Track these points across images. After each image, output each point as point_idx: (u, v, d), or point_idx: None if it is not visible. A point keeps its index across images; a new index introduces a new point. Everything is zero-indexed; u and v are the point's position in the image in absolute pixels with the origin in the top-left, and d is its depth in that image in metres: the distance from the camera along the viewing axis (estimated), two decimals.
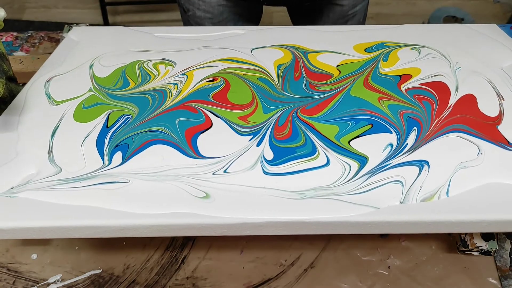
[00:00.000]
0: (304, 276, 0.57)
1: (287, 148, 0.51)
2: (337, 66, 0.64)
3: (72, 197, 0.44)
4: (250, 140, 0.51)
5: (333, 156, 0.50)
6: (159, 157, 0.48)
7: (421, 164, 0.49)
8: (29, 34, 0.80)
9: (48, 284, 0.58)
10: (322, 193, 0.46)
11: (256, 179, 0.47)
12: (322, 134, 0.52)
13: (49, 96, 0.56)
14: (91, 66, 0.61)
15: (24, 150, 0.50)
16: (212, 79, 0.59)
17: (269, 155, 0.50)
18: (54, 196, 0.44)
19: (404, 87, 0.60)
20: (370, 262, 0.58)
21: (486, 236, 0.55)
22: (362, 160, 0.50)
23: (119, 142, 0.50)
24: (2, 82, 0.52)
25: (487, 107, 0.57)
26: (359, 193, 0.46)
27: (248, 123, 0.53)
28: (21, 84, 0.59)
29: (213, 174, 0.47)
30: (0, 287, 0.58)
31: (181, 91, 0.57)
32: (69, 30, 0.75)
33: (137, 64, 0.62)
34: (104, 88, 0.57)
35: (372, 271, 0.57)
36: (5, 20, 0.58)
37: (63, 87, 0.58)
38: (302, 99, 0.57)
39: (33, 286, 0.58)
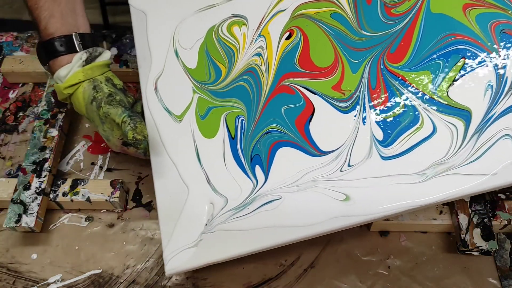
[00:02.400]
0: (304, 276, 0.57)
1: (391, 121, 0.50)
2: None
3: (251, 222, 0.50)
4: (355, 117, 0.51)
5: (436, 117, 0.49)
6: (289, 163, 0.51)
7: None
8: (29, 34, 0.80)
9: (48, 284, 0.58)
10: (441, 169, 0.47)
11: (378, 167, 0.49)
12: (417, 89, 0.50)
13: (169, 112, 0.58)
14: (176, 54, 0.60)
15: (190, 185, 0.53)
16: (289, 33, 0.57)
17: (378, 133, 0.50)
18: (238, 225, 0.50)
19: None
20: (370, 262, 0.58)
21: (486, 236, 0.55)
22: (465, 116, 0.48)
23: (251, 155, 0.53)
24: (143, 125, 0.52)
25: None
26: (474, 160, 0.47)
27: (344, 94, 0.53)
28: (131, 96, 0.59)
29: (341, 171, 0.50)
30: (0, 287, 0.58)
31: (268, 64, 0.57)
32: None
33: (213, 35, 0.61)
34: (204, 85, 0.58)
35: (372, 271, 0.57)
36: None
37: (170, 93, 0.59)
38: (382, 37, 0.53)
39: (33, 286, 0.58)
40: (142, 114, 0.58)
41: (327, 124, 0.52)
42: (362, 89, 0.52)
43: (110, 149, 0.68)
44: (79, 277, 0.58)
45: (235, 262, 0.58)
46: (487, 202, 0.58)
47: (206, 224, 0.51)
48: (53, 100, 0.68)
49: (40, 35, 0.57)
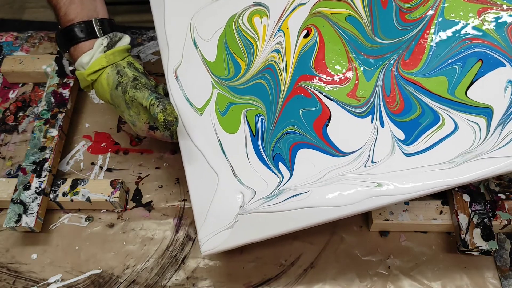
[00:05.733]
0: (304, 276, 0.57)
1: (409, 121, 0.51)
2: None
3: (284, 207, 0.50)
4: (372, 122, 0.52)
5: (457, 116, 0.49)
6: (310, 164, 0.52)
7: None
8: (29, 34, 0.80)
9: (48, 284, 0.58)
10: (470, 156, 0.48)
11: (403, 162, 0.49)
12: (433, 93, 0.50)
13: (191, 104, 0.58)
14: (195, 44, 0.60)
15: (219, 173, 0.54)
16: (306, 31, 0.57)
17: (399, 133, 0.51)
18: (272, 209, 0.51)
19: None
20: (370, 262, 0.58)
21: (486, 236, 0.55)
22: (487, 113, 0.48)
23: (273, 153, 0.53)
24: (172, 106, 0.52)
25: None
26: (503, 146, 0.47)
27: (359, 101, 0.53)
28: (152, 79, 0.59)
29: (365, 167, 0.50)
30: (0, 287, 0.58)
31: (286, 63, 0.57)
32: None
33: (233, 26, 0.60)
34: (223, 81, 0.58)
35: (372, 271, 0.57)
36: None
37: (191, 84, 0.59)
38: (396, 44, 0.54)
39: (33, 286, 0.58)
40: (166, 96, 0.58)
41: (345, 128, 0.52)
42: (376, 95, 0.53)
43: (110, 149, 0.68)
44: (79, 277, 0.58)
45: (235, 262, 0.58)
46: (487, 202, 0.58)
47: (240, 207, 0.52)
48: (53, 100, 0.68)
49: (59, 23, 0.57)
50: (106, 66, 0.55)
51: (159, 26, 0.62)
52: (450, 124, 0.49)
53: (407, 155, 0.49)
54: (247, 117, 0.55)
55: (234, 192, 0.53)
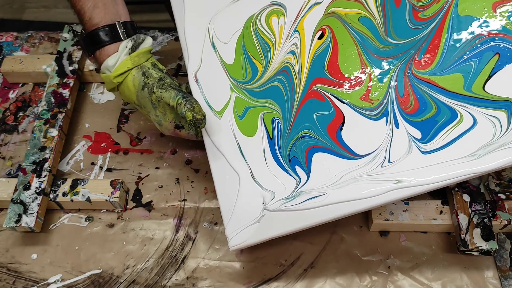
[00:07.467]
0: (304, 276, 0.57)
1: (425, 120, 0.50)
2: None
3: (305, 205, 0.51)
4: (387, 124, 0.51)
5: (476, 111, 0.48)
6: (326, 169, 0.52)
7: None
8: (29, 34, 0.80)
9: (48, 284, 0.58)
10: (493, 148, 0.47)
11: (421, 160, 0.49)
12: (449, 91, 0.50)
13: (210, 107, 0.58)
14: (214, 46, 0.61)
15: (240, 173, 0.54)
16: (321, 32, 0.57)
17: (415, 133, 0.50)
18: (293, 208, 0.51)
19: None
20: (370, 262, 0.58)
21: (486, 236, 0.55)
22: (507, 105, 0.48)
23: (289, 157, 0.54)
24: (199, 104, 0.53)
25: None
26: None
27: (373, 103, 0.53)
28: (175, 79, 0.59)
29: (382, 166, 0.50)
30: (0, 287, 0.58)
31: (301, 65, 0.57)
32: (69, 30, 0.75)
33: (251, 27, 0.60)
34: (241, 84, 0.59)
35: (372, 271, 0.57)
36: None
37: (210, 87, 0.60)
38: (409, 44, 0.53)
39: (33, 286, 0.58)
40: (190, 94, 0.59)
41: (359, 131, 0.52)
42: (390, 97, 0.52)
43: (110, 149, 0.68)
44: (79, 277, 0.58)
45: (235, 262, 0.58)
46: (487, 202, 0.58)
47: (263, 203, 0.52)
48: (53, 100, 0.68)
49: (84, 27, 0.58)
50: (132, 68, 0.56)
51: (180, 29, 0.62)
52: (468, 119, 0.49)
53: (424, 153, 0.49)
54: (264, 120, 0.56)
55: (254, 193, 0.53)
